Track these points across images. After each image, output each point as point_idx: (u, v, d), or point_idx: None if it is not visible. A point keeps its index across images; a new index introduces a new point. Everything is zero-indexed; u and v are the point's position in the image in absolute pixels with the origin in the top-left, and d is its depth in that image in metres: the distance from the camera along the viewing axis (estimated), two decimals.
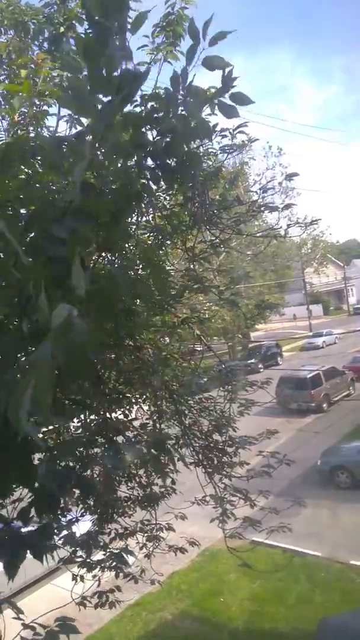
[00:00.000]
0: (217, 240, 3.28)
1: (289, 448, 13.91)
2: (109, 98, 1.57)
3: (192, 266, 3.59)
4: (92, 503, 4.12)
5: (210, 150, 3.49)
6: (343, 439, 15.27)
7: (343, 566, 9.18)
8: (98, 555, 4.23)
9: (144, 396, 4.46)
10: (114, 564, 4.09)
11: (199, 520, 4.34)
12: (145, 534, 4.48)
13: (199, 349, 4.42)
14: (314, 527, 10.24)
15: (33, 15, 4.21)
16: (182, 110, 1.83)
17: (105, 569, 4.20)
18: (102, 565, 4.17)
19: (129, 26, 1.81)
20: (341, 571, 9.07)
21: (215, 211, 3.07)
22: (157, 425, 4.43)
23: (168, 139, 1.84)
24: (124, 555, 3.97)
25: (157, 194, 3.47)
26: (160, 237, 3.34)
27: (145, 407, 4.69)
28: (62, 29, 4.18)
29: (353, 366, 22.77)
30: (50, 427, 3.84)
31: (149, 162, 1.91)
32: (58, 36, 4.25)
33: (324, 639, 5.86)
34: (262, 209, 3.09)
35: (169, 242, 3.56)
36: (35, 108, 3.58)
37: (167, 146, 1.84)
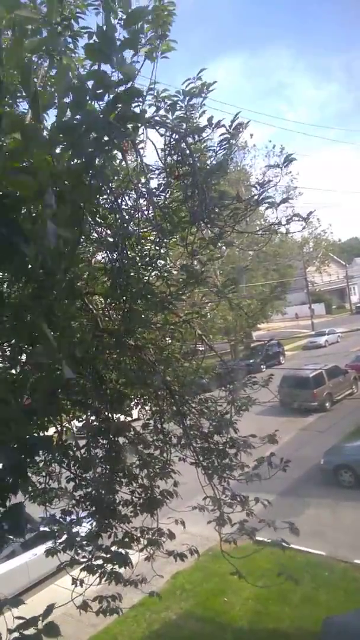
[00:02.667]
0: (216, 236, 3.25)
1: (292, 447, 13.89)
2: None
3: (191, 262, 3.57)
4: (93, 507, 4.10)
5: (210, 146, 3.47)
6: (346, 438, 15.21)
7: (347, 565, 9.15)
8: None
9: (145, 397, 4.44)
10: (115, 569, 4.06)
11: (203, 520, 4.31)
12: (146, 537, 4.45)
13: (200, 348, 4.39)
14: (317, 526, 10.21)
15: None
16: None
17: (106, 574, 4.16)
18: (104, 569, 4.14)
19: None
20: (345, 570, 9.03)
21: (215, 208, 3.05)
22: (159, 425, 4.41)
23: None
24: (124, 553, 3.94)
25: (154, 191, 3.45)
26: (160, 234, 3.32)
27: (147, 408, 4.67)
28: (59, 29, 4.15)
29: (356, 365, 22.68)
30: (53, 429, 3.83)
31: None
32: (55, 36, 4.22)
33: (328, 638, 5.84)
34: (259, 203, 3.06)
35: (167, 240, 3.53)
36: None
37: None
